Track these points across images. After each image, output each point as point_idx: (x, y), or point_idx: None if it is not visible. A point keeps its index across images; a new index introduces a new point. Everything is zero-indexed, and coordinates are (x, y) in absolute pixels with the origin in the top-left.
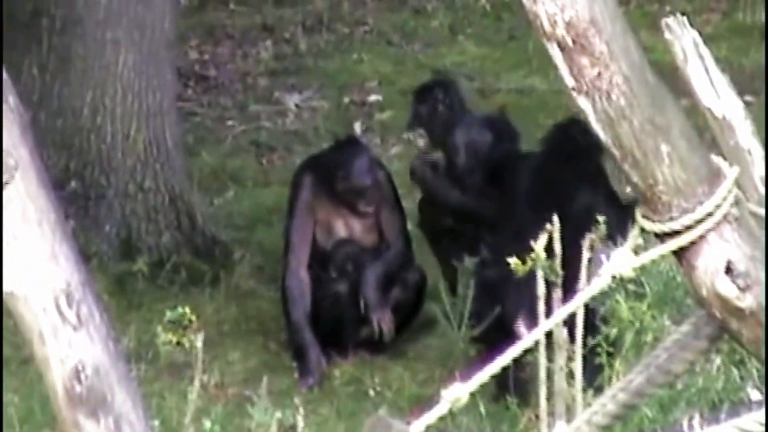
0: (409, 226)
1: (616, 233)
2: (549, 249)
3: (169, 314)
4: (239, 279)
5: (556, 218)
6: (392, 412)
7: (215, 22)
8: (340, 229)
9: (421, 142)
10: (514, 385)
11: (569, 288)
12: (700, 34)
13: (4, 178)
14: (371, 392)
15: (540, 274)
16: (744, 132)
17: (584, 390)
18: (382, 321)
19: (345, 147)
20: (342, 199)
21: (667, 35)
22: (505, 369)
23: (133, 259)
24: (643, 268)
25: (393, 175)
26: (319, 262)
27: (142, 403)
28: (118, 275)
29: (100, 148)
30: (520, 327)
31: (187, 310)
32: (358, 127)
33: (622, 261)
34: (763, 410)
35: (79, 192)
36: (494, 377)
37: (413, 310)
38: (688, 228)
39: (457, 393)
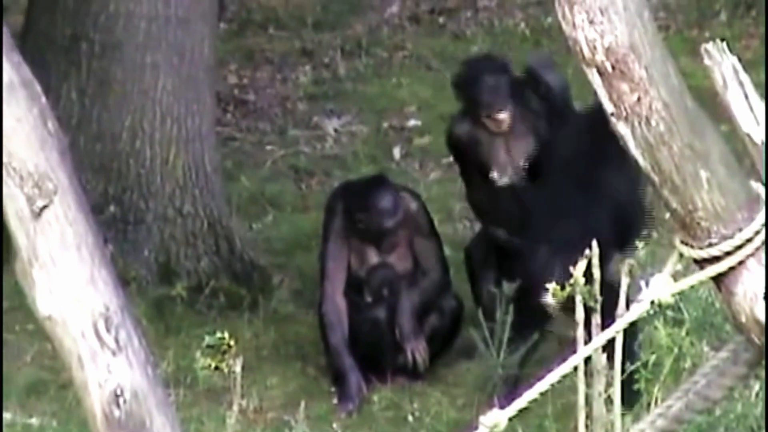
0: (447, 252)
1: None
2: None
3: (207, 339)
4: (278, 304)
5: (595, 243)
6: None
7: (254, 46)
8: (373, 256)
9: (508, 121)
10: None
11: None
12: (740, 59)
13: (44, 202)
14: (410, 417)
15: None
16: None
17: (623, 416)
18: (416, 350)
19: (371, 185)
20: (366, 235)
21: (707, 61)
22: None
23: (172, 283)
24: (681, 294)
25: (432, 201)
26: (355, 287)
27: (180, 428)
28: (157, 300)
29: (139, 173)
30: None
31: (226, 334)
32: (397, 152)
33: (661, 287)
34: None
35: (118, 216)
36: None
37: (450, 337)
38: (727, 254)
39: (495, 418)
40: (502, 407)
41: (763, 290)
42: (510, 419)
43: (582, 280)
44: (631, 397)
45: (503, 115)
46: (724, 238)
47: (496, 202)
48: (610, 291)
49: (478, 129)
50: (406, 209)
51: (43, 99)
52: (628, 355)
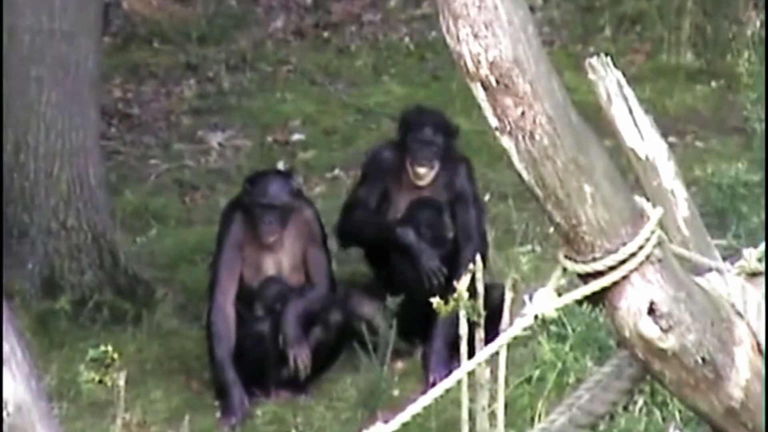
0: (334, 266)
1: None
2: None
3: (91, 352)
4: (162, 318)
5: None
6: None
7: (139, 60)
8: (269, 267)
9: (431, 176)
10: None
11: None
12: (624, 74)
13: None
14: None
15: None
16: (667, 173)
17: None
18: (299, 357)
19: (268, 173)
20: (251, 223)
21: (591, 76)
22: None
23: (56, 297)
24: (565, 309)
25: None
26: (244, 300)
27: None
28: (41, 313)
29: (23, 186)
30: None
31: (110, 348)
32: (281, 166)
33: (544, 301)
34: None
35: (2, 230)
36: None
37: (335, 350)
38: (611, 268)
39: None
40: (385, 421)
41: (646, 305)
42: None
43: (465, 295)
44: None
45: (424, 170)
46: (608, 252)
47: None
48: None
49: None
50: (299, 212)
51: None
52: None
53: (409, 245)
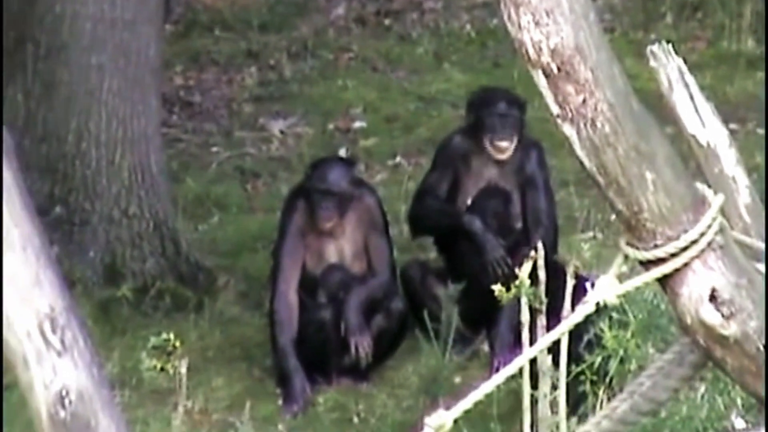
0: (396, 254)
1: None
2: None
3: (153, 340)
4: (223, 305)
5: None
6: None
7: (200, 48)
8: (331, 255)
9: (511, 150)
10: None
11: None
12: (685, 62)
13: None
14: (355, 419)
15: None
16: (728, 160)
17: (568, 418)
18: (360, 345)
19: (330, 159)
20: (312, 211)
21: (653, 63)
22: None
23: (118, 285)
24: (627, 296)
25: None
26: (307, 287)
27: (126, 429)
28: (103, 301)
29: (85, 174)
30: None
31: (171, 336)
32: (343, 154)
33: (606, 288)
34: None
35: (64, 218)
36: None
37: (396, 338)
38: (673, 255)
39: (440, 420)
40: (447, 409)
41: (708, 292)
42: (455, 421)
43: (527, 282)
44: (575, 400)
45: (506, 144)
46: (669, 239)
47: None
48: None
49: (473, 151)
50: (361, 199)
51: None
52: (574, 356)
53: (475, 233)
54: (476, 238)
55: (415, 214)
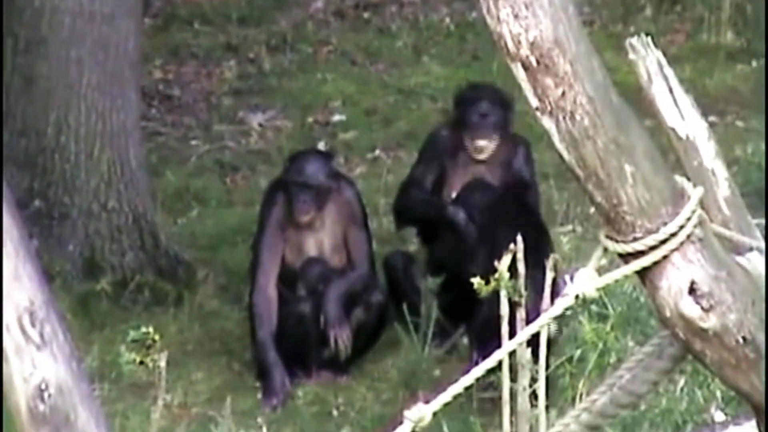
0: (375, 247)
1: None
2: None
3: (132, 334)
4: (203, 299)
5: (520, 238)
6: None
7: (179, 41)
8: (310, 248)
9: (490, 149)
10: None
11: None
12: (665, 54)
13: None
14: (335, 412)
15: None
16: (708, 153)
17: (547, 410)
18: (340, 338)
19: (308, 152)
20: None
21: (632, 56)
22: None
23: (97, 278)
24: (606, 289)
25: None
26: (286, 280)
27: (105, 423)
28: (82, 295)
29: (64, 168)
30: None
31: (151, 329)
32: (322, 147)
33: (585, 281)
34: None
35: (43, 211)
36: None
37: (376, 331)
38: (652, 248)
39: (420, 413)
40: (426, 402)
41: (687, 285)
42: (434, 414)
43: (507, 275)
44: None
45: (484, 143)
46: (649, 232)
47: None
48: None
49: (460, 145)
50: (340, 192)
51: None
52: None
53: (458, 224)
54: (459, 229)
55: (400, 205)
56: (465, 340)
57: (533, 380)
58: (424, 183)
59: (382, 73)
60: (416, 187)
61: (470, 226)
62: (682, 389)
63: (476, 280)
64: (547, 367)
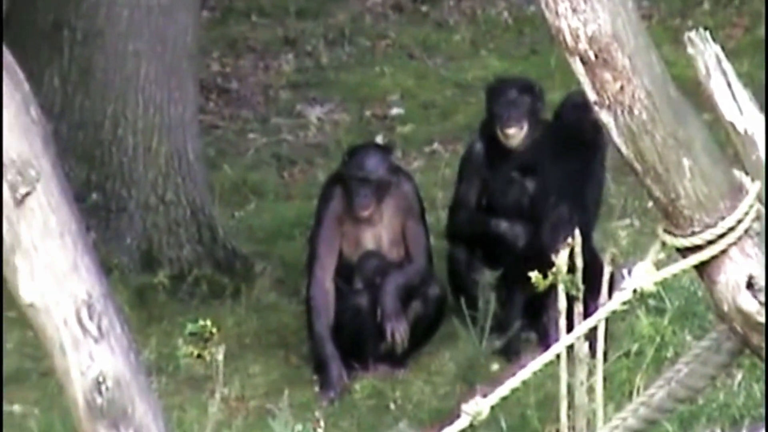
0: (432, 241)
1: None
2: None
3: (190, 327)
4: (260, 292)
5: (578, 231)
6: (413, 426)
7: (237, 34)
8: (368, 242)
9: (521, 137)
10: None
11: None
12: (723, 48)
13: (27, 189)
14: (392, 406)
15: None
16: (766, 147)
17: (605, 405)
18: (397, 331)
19: (367, 146)
20: (349, 197)
21: (690, 50)
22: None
23: (154, 271)
24: (664, 283)
25: None
26: (344, 274)
27: (162, 416)
28: (139, 288)
29: (122, 161)
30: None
31: (208, 322)
32: (380, 141)
33: (643, 275)
34: None
35: (101, 204)
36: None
37: (433, 325)
38: (710, 243)
39: (477, 407)
40: (484, 396)
41: (745, 279)
42: (492, 408)
43: (564, 269)
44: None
45: (513, 130)
46: (707, 226)
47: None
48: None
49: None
50: (398, 186)
51: (26, 86)
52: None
53: (504, 235)
54: (506, 241)
55: (450, 229)
56: (523, 335)
57: (590, 374)
58: (468, 201)
59: (440, 66)
60: (462, 207)
61: (515, 228)
62: (739, 384)
63: (534, 274)
64: (605, 361)
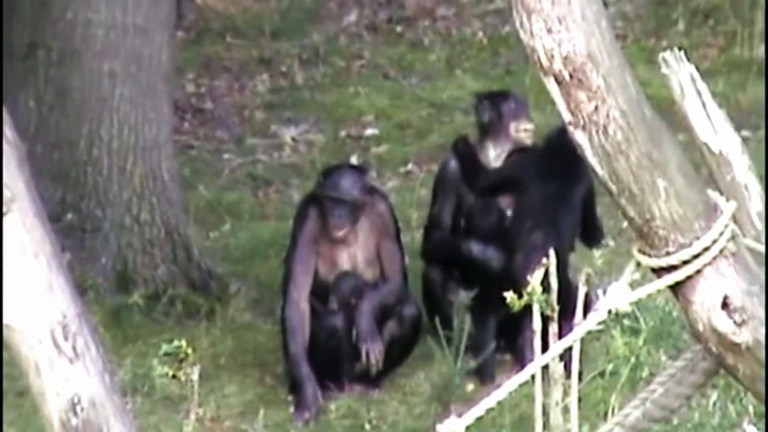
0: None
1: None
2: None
3: (165, 347)
4: (235, 312)
5: (552, 252)
6: None
7: (212, 55)
8: (343, 262)
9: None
10: None
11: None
12: (697, 68)
13: (1, 210)
14: (367, 426)
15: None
16: (741, 167)
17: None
18: (372, 352)
19: (342, 167)
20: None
21: (664, 70)
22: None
23: (129, 292)
24: (639, 303)
25: None
26: (319, 294)
27: None
28: (114, 308)
29: (96, 181)
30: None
31: (183, 343)
32: (355, 161)
33: (618, 296)
34: None
35: (75, 224)
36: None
37: (409, 345)
38: (685, 263)
39: (452, 427)
40: (459, 416)
41: (720, 299)
42: (467, 428)
43: (539, 289)
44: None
45: (531, 125)
46: (682, 246)
47: (472, 216)
48: (568, 291)
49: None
50: (373, 206)
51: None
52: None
53: (475, 259)
54: (479, 263)
55: (425, 251)
56: (498, 355)
57: (565, 394)
58: (443, 221)
59: (415, 86)
60: (436, 227)
61: (488, 252)
62: (714, 404)
63: (509, 295)
64: (580, 381)
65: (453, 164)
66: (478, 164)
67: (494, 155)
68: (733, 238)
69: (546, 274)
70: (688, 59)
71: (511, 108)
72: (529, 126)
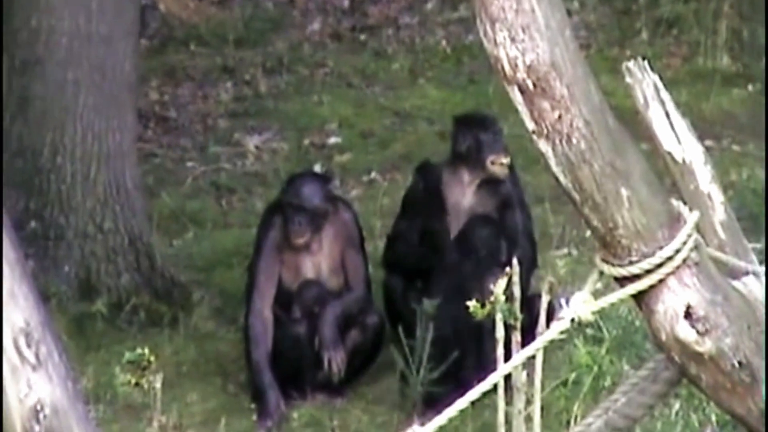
0: (371, 269)
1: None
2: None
3: (127, 355)
4: (198, 320)
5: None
6: None
7: (176, 63)
8: (307, 270)
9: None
10: None
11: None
12: (661, 78)
13: None
14: None
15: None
16: (704, 177)
17: None
18: (334, 360)
19: (306, 175)
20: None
21: (628, 79)
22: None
23: (92, 300)
24: (602, 312)
25: None
26: (283, 302)
27: None
28: (77, 316)
29: (60, 189)
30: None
31: (146, 351)
32: (318, 170)
33: (581, 305)
34: None
35: (39, 232)
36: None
37: (372, 354)
38: (648, 272)
39: None
40: (421, 425)
41: (683, 308)
42: None
43: (502, 298)
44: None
45: (507, 159)
46: (645, 256)
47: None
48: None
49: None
50: (337, 214)
51: None
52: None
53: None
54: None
55: (387, 259)
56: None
57: (528, 403)
58: (408, 235)
59: (379, 95)
60: (400, 240)
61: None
62: (677, 413)
63: (472, 303)
64: (543, 390)
65: (420, 186)
66: (440, 199)
67: (467, 182)
68: (697, 247)
69: (509, 284)
70: (652, 69)
71: (489, 140)
72: (506, 160)
